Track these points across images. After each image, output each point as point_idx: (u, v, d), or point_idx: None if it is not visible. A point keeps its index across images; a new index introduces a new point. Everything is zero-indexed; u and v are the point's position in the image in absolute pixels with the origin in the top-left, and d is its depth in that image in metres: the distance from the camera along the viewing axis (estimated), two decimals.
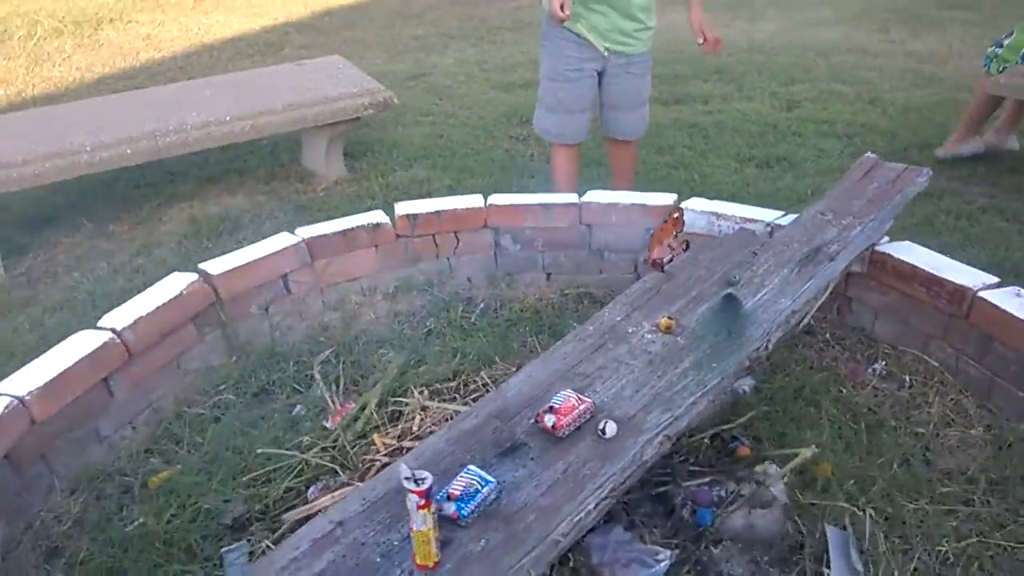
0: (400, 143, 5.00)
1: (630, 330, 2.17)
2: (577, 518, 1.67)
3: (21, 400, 2.22)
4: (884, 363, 2.54)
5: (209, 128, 3.96)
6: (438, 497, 1.66)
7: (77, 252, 4.05)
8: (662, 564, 1.69)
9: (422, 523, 1.50)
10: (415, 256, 3.05)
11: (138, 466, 2.45)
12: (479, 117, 5.40)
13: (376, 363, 2.77)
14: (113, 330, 2.47)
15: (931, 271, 2.39)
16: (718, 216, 2.80)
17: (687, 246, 2.49)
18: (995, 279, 2.36)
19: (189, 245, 3.96)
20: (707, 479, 1.96)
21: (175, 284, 2.66)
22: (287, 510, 2.09)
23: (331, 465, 2.18)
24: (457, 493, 1.64)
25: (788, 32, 7.24)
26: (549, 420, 1.82)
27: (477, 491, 1.65)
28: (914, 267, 2.43)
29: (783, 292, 2.25)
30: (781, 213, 2.78)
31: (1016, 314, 2.18)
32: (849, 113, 5.10)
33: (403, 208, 3.01)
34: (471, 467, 1.71)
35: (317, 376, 2.63)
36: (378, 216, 3.00)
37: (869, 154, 2.85)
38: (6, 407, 2.18)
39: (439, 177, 4.52)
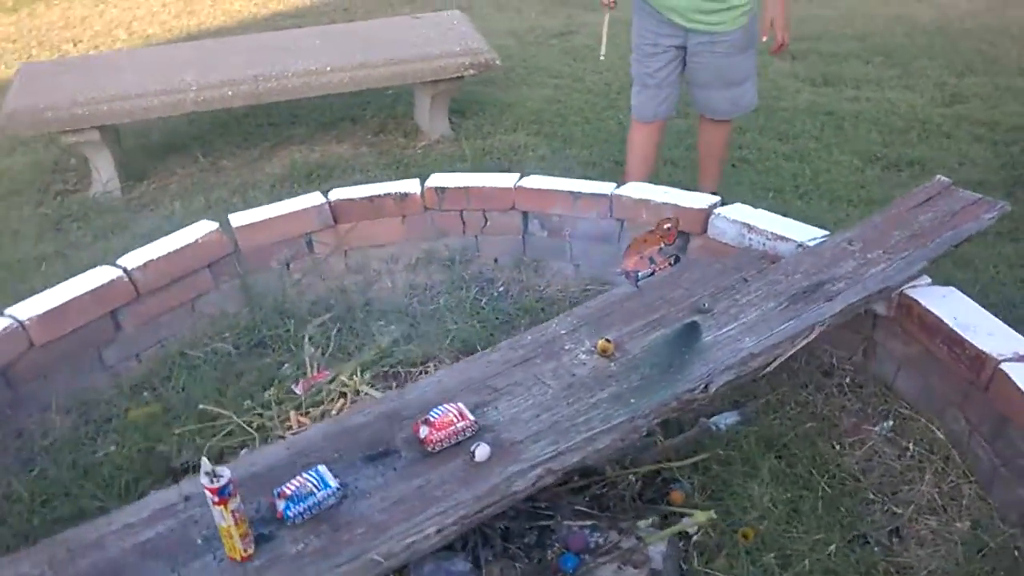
0: (514, 105, 4.92)
1: (567, 347, 2.02)
2: (409, 540, 1.60)
3: (21, 323, 2.41)
4: (893, 423, 2.21)
5: (308, 77, 4.07)
6: (275, 491, 1.64)
7: (187, 183, 4.34)
8: None
9: (220, 519, 1.49)
10: (441, 230, 3.00)
11: (129, 398, 2.60)
12: (605, 84, 5.19)
13: (374, 333, 2.76)
14: (124, 269, 2.62)
15: (955, 328, 2.03)
16: (750, 228, 2.53)
17: (676, 261, 2.27)
18: None
19: (280, 189, 4.12)
20: (589, 522, 1.80)
21: (194, 231, 2.77)
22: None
23: (255, 434, 2.21)
24: (288, 492, 1.61)
25: (988, 11, 6.34)
26: (423, 432, 1.74)
27: (311, 494, 1.61)
28: (939, 320, 2.07)
29: (752, 330, 2.00)
30: (824, 235, 2.46)
31: None
32: (1021, 117, 4.41)
33: (434, 180, 2.96)
34: (320, 468, 1.68)
35: (307, 339, 2.66)
36: (408, 185, 2.97)
37: (940, 177, 2.44)
38: (4, 328, 2.37)
39: (537, 144, 4.41)
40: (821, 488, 2.05)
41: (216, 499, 1.46)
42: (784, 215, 3.40)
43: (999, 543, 1.84)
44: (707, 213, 2.63)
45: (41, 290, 2.56)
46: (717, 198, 2.68)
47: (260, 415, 2.26)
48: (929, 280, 2.21)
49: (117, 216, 4.06)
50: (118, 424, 2.48)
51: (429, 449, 1.72)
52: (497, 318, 2.78)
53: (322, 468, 1.68)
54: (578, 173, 3.90)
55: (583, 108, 4.90)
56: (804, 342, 2.00)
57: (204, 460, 1.48)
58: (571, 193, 2.82)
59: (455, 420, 1.74)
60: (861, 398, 2.32)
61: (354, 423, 1.85)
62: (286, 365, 2.65)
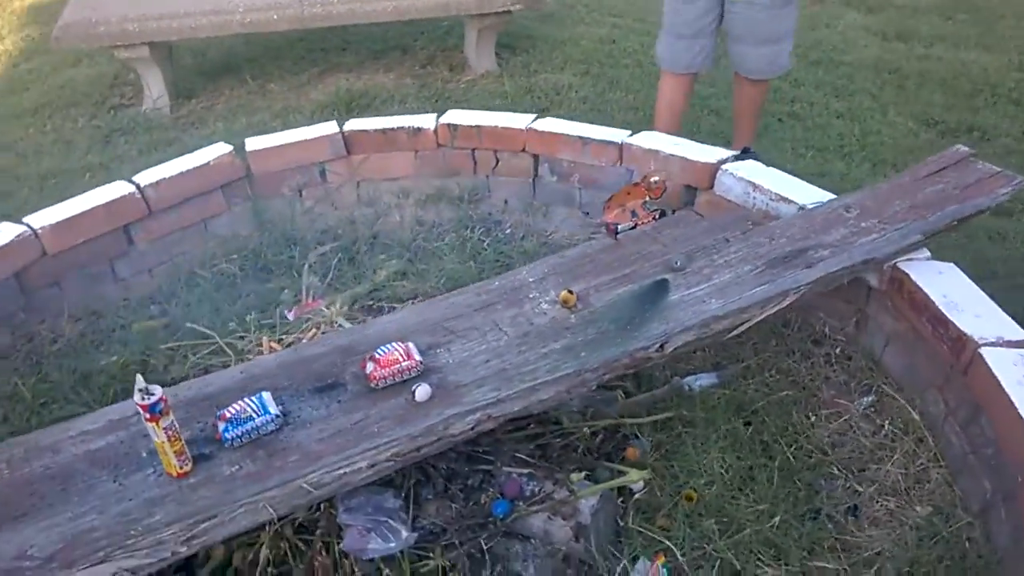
0: (566, 43, 4.82)
1: (532, 295, 2.01)
2: (339, 472, 1.64)
3: (34, 232, 2.53)
4: (874, 399, 2.14)
5: (353, 4, 4.07)
6: (218, 414, 1.70)
7: (233, 104, 4.42)
8: (396, 544, 1.62)
9: (154, 435, 1.55)
10: (453, 168, 2.99)
11: (136, 311, 2.71)
12: None
13: (375, 266, 2.80)
14: (137, 185, 2.70)
15: (942, 307, 1.94)
16: (755, 187, 2.45)
17: (660, 216, 2.22)
18: (1020, 334, 1.87)
19: (319, 116, 4.16)
20: (527, 471, 1.81)
21: (207, 153, 2.83)
22: None
23: (231, 356, 2.28)
24: (228, 416, 1.67)
25: None
26: (368, 368, 1.77)
27: (250, 418, 1.67)
28: (927, 297, 1.99)
29: (722, 292, 1.95)
30: (831, 197, 2.37)
31: (1005, 384, 1.73)
32: None
33: (448, 117, 2.94)
34: (264, 394, 1.73)
35: (307, 267, 2.71)
36: (422, 120, 2.96)
37: (960, 147, 2.30)
38: (17, 235, 2.50)
39: (582, 85, 4.33)
40: (783, 458, 2.00)
41: (147, 415, 1.53)
42: (820, 175, 3.30)
43: (954, 531, 1.78)
44: (715, 168, 2.55)
45: None
46: (726, 153, 2.59)
47: (242, 338, 2.32)
48: (928, 254, 2.11)
49: (163, 132, 4.17)
50: (121, 335, 2.58)
51: (372, 385, 1.75)
52: (497, 260, 2.78)
53: (266, 395, 1.73)
54: (616, 119, 3.84)
55: (636, 50, 4.76)
56: (775, 309, 1.95)
57: (139, 377, 1.54)
58: (580, 138, 2.77)
59: (400, 359, 1.76)
60: (847, 370, 2.25)
61: (310, 353, 1.90)
62: (286, 291, 2.71)
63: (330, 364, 1.85)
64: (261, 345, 2.21)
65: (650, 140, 2.71)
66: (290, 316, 2.51)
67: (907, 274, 2.04)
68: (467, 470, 1.84)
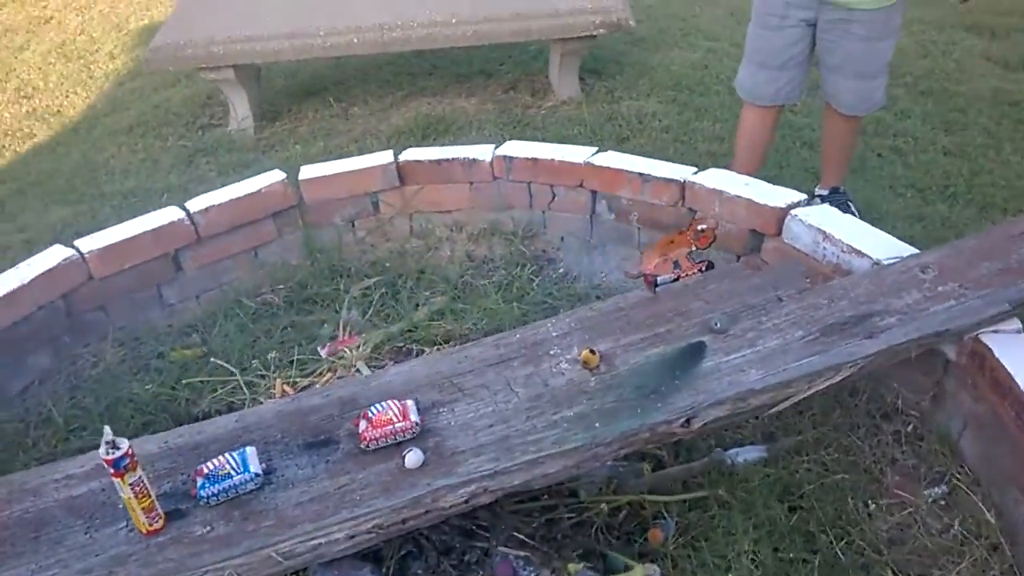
0: (656, 68, 4.62)
1: (552, 352, 1.84)
2: (316, 542, 1.52)
3: (82, 255, 2.54)
4: (946, 491, 1.86)
5: (432, 28, 4.00)
6: (197, 468, 1.61)
7: (315, 127, 4.43)
8: None
9: (120, 491, 1.47)
10: (508, 202, 2.85)
11: (177, 337, 2.68)
12: None
13: (418, 302, 2.69)
14: (187, 211, 2.69)
15: None
16: (825, 236, 2.20)
17: (708, 268, 2.00)
18: None
19: (395, 142, 4.11)
20: (524, 553, 1.64)
21: (259, 181, 2.79)
22: None
23: (250, 396, 2.20)
24: (205, 471, 1.57)
25: None
26: (361, 426, 1.64)
27: (229, 476, 1.57)
28: (1011, 378, 1.70)
29: (765, 362, 1.72)
30: (911, 252, 2.10)
31: None
32: None
33: (504, 148, 2.81)
34: (248, 449, 1.63)
35: (346, 302, 2.62)
36: (477, 151, 2.84)
37: None
38: (65, 259, 2.51)
39: (667, 113, 4.12)
40: (829, 553, 1.75)
41: (111, 471, 1.44)
42: (919, 219, 2.99)
43: None
44: (783, 213, 2.31)
45: None
46: (798, 196, 2.34)
47: (263, 377, 2.24)
48: (1019, 326, 1.82)
49: (243, 155, 4.21)
50: (158, 364, 2.55)
51: (363, 446, 1.62)
52: (544, 302, 2.61)
53: (250, 450, 1.62)
54: (699, 149, 3.61)
55: (729, 76, 4.47)
56: (825, 384, 1.70)
57: (106, 429, 1.46)
58: (640, 175, 2.58)
59: (395, 419, 1.63)
60: (918, 453, 1.97)
61: (308, 404, 1.78)
62: (326, 325, 2.62)
63: (327, 418, 1.73)
64: (275, 388, 2.11)
65: (716, 179, 2.49)
66: (323, 353, 2.42)
67: (990, 348, 1.76)
68: (463, 545, 1.67)
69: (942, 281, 1.86)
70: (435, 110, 4.41)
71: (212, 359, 2.37)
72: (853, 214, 2.95)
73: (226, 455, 1.60)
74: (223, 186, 2.86)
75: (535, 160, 2.74)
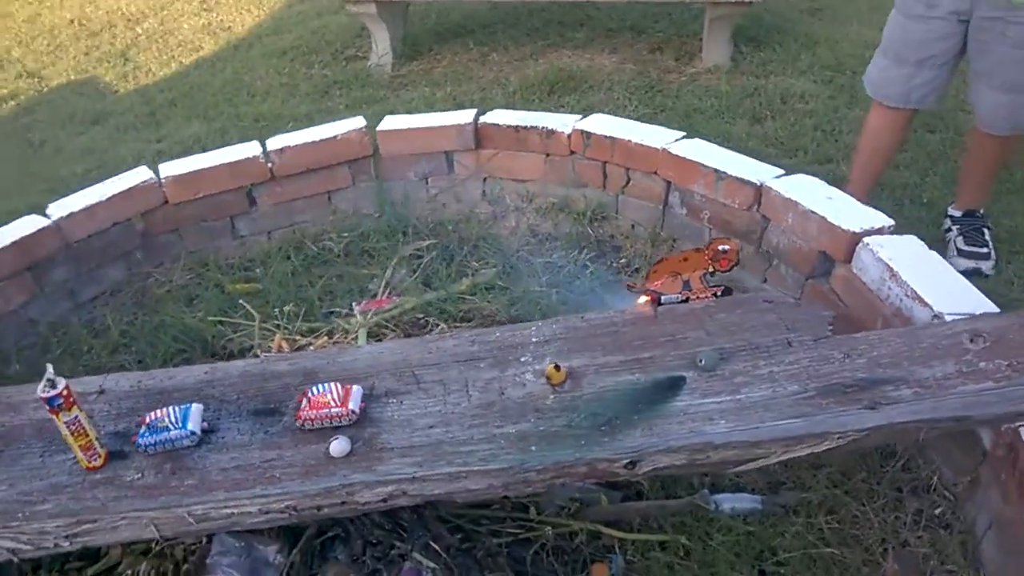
0: (823, 43, 4.22)
1: (523, 358, 1.73)
2: (227, 511, 1.53)
3: (159, 180, 2.67)
4: None
5: None
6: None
7: (450, 71, 4.41)
8: None
9: (59, 428, 1.54)
10: (582, 179, 2.71)
11: (241, 270, 2.79)
12: None
13: (467, 271, 2.64)
14: (264, 150, 2.75)
15: None
16: (892, 275, 1.93)
17: (724, 293, 1.80)
18: None
19: (519, 95, 4.02)
20: (431, 564, 1.57)
21: (336, 128, 2.81)
22: None
23: (261, 342, 2.23)
24: (147, 420, 1.62)
25: None
26: (302, 404, 1.63)
27: (167, 429, 1.60)
28: None
29: (740, 414, 1.53)
30: (986, 311, 1.80)
31: None
32: None
33: (585, 123, 2.66)
34: (193, 406, 1.65)
35: (393, 262, 2.61)
36: (555, 121, 2.70)
37: None
38: (143, 181, 2.66)
39: (817, 94, 3.77)
40: None
41: (47, 408, 1.50)
42: None
43: None
44: (856, 238, 2.04)
45: None
46: (880, 221, 2.05)
47: (278, 326, 2.27)
48: None
49: (375, 91, 4.26)
50: (214, 293, 2.65)
51: (299, 424, 1.60)
52: (592, 291, 2.47)
53: (195, 407, 1.64)
54: (840, 142, 3.27)
55: None
56: (805, 451, 1.49)
57: (48, 367, 1.52)
58: (716, 171, 2.35)
59: (332, 403, 1.59)
60: (936, 543, 1.71)
61: (273, 370, 1.78)
62: (375, 279, 2.62)
63: (284, 387, 1.72)
64: (273, 343, 2.12)
65: (797, 186, 2.24)
66: (356, 309, 2.41)
67: None
68: (389, 541, 1.62)
69: (990, 356, 1.56)
70: (571, 64, 4.25)
71: (240, 300, 2.41)
72: (984, 244, 2.57)
73: (170, 408, 1.63)
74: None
75: (613, 139, 2.56)
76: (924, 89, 2.50)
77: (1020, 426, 1.50)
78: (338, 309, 2.47)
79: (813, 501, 1.80)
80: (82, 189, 2.65)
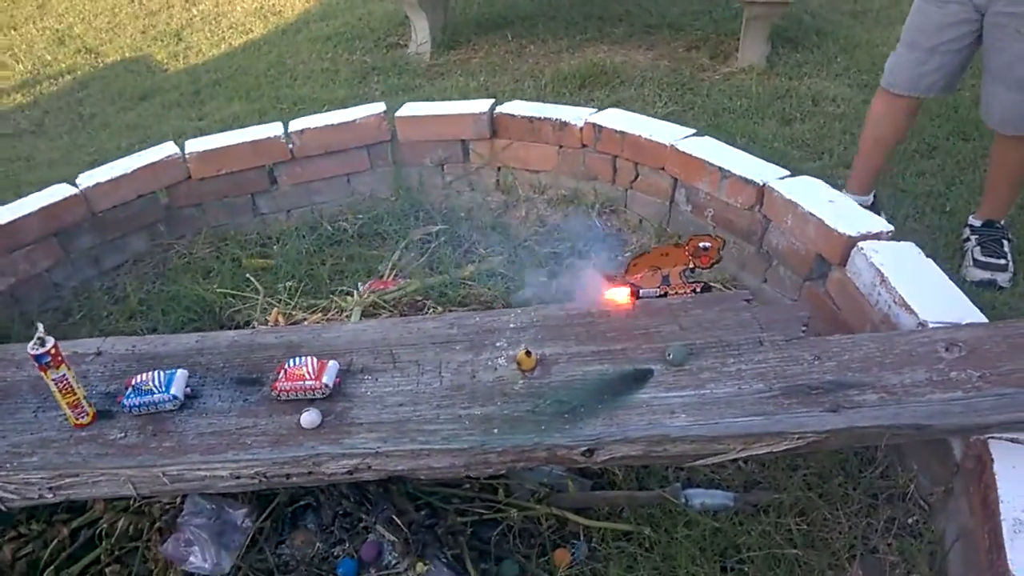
0: (859, 47, 4.16)
1: (499, 343, 1.76)
2: (200, 473, 1.60)
3: (184, 156, 2.77)
4: None
5: None
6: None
7: (486, 62, 4.45)
8: (209, 568, 1.54)
9: (49, 383, 1.62)
10: (592, 172, 2.73)
11: (259, 247, 2.87)
12: None
13: (472, 259, 2.68)
14: (286, 130, 2.83)
15: (1006, 519, 1.38)
16: (882, 280, 1.91)
17: (702, 291, 1.81)
18: None
19: (551, 87, 4.04)
20: (392, 538, 1.61)
21: (356, 112, 2.87)
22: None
23: (261, 315, 2.30)
24: (133, 383, 1.69)
25: None
26: (280, 376, 1.69)
27: (151, 392, 1.68)
28: (997, 501, 1.42)
29: (700, 410, 1.55)
30: (973, 321, 1.78)
31: None
32: None
33: (597, 117, 2.68)
34: (179, 371, 1.72)
35: (403, 244, 2.66)
36: (569, 113, 2.72)
37: None
38: (168, 156, 2.75)
39: (850, 99, 3.72)
40: None
41: (36, 365, 1.58)
42: None
43: None
44: (852, 242, 2.02)
45: None
46: (881, 226, 2.03)
47: (280, 300, 2.34)
48: None
49: (411, 79, 4.32)
50: (231, 267, 2.73)
51: (274, 395, 1.66)
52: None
53: (180, 373, 1.71)
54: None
55: None
56: (765, 451, 1.50)
57: (39, 326, 1.60)
58: (720, 169, 2.35)
59: (306, 376, 1.64)
60: (905, 552, 1.69)
61: (260, 341, 1.85)
62: (384, 262, 2.68)
63: (268, 359, 1.78)
64: (271, 316, 2.19)
65: (798, 188, 2.22)
66: (362, 289, 2.47)
67: (992, 459, 1.45)
68: (358, 513, 1.67)
69: (963, 366, 1.55)
70: (606, 59, 4.25)
71: (247, 274, 2.49)
72: (1003, 255, 2.52)
73: (156, 372, 1.70)
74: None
75: (623, 134, 2.57)
76: (934, 76, 2.46)
77: (990, 438, 1.47)
78: (345, 288, 2.52)
79: (785, 502, 1.79)
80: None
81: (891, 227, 2.07)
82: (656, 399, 1.56)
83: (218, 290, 2.46)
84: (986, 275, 2.48)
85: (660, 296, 1.77)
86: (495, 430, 1.54)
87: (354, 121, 2.79)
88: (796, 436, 1.48)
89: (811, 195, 2.19)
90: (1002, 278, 2.49)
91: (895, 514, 1.75)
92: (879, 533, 1.72)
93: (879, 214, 2.29)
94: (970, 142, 3.30)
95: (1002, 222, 2.63)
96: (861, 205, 2.20)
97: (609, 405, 1.56)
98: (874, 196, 2.74)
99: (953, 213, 2.84)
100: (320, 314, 2.20)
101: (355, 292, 2.38)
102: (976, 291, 2.43)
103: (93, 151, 3.92)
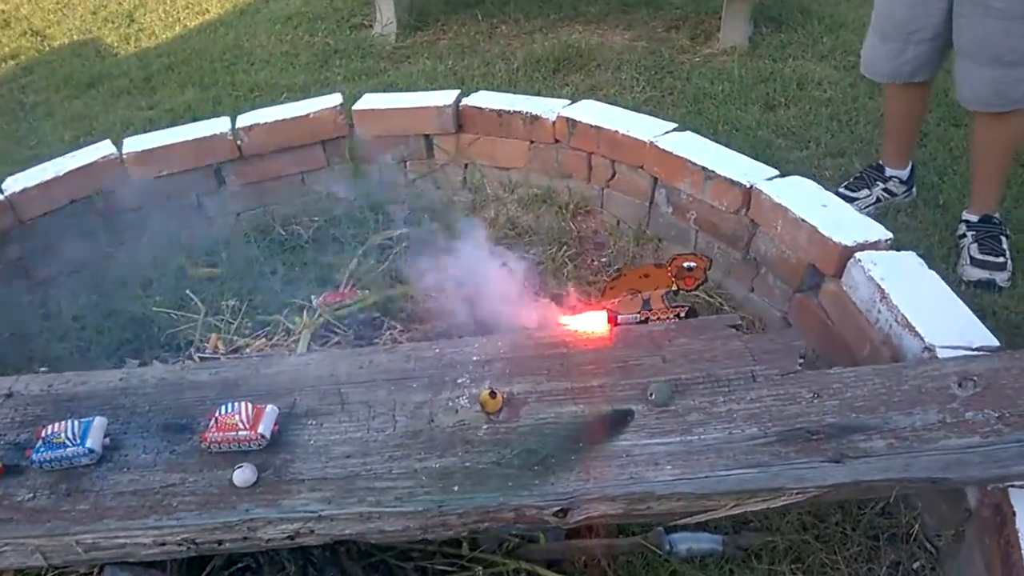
0: (847, 26, 3.98)
1: (460, 380, 1.57)
2: (119, 541, 1.40)
3: (121, 156, 2.53)
4: None
5: None
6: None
7: (455, 43, 4.22)
8: None
9: None
10: (566, 170, 2.52)
11: (206, 252, 2.64)
12: None
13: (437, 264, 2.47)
14: (233, 126, 2.60)
15: None
16: (883, 297, 1.73)
17: (687, 315, 1.62)
18: None
19: (522, 71, 3.83)
20: None
21: (310, 105, 2.65)
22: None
23: (196, 339, 2.10)
24: (43, 434, 1.48)
25: None
26: (210, 424, 1.49)
27: (63, 445, 1.47)
28: (1022, 559, 1.24)
29: (688, 461, 1.36)
30: (987, 346, 1.60)
31: None
32: None
33: (570, 110, 2.46)
34: (96, 419, 1.52)
35: (359, 252, 2.45)
36: (541, 106, 2.51)
37: None
38: (103, 156, 2.52)
39: (837, 82, 3.53)
40: None
41: None
42: None
43: None
44: (848, 253, 1.84)
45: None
46: (880, 234, 1.85)
47: (223, 320, 2.13)
48: None
49: (375, 62, 4.09)
50: (172, 278, 2.51)
51: (203, 447, 1.45)
52: (566, 291, 2.29)
53: (97, 422, 1.51)
54: (854, 134, 3.04)
55: None
56: (760, 507, 1.32)
57: None
58: (703, 169, 2.15)
59: (240, 426, 1.44)
60: None
61: (192, 379, 1.64)
62: (341, 270, 2.47)
63: (200, 400, 1.58)
64: (209, 341, 1.98)
65: (790, 190, 2.03)
66: (316, 302, 2.27)
67: (1013, 512, 1.28)
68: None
69: (979, 404, 1.37)
70: (581, 40, 4.04)
71: (187, 291, 2.27)
72: (1001, 253, 2.35)
73: (69, 422, 1.50)
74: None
75: (599, 128, 2.37)
76: (914, 64, 2.39)
77: (1010, 486, 1.30)
78: (297, 301, 2.31)
79: (779, 546, 1.62)
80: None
81: (890, 235, 1.88)
82: (637, 447, 1.37)
83: (154, 309, 2.23)
84: (984, 274, 2.33)
85: (640, 322, 1.58)
86: (455, 487, 1.35)
87: (308, 115, 2.57)
88: (796, 491, 1.30)
89: (802, 198, 2.01)
90: (1000, 277, 2.33)
91: (899, 558, 1.59)
92: None
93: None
94: (962, 128, 3.13)
95: (998, 216, 2.47)
96: (899, 180, 2.49)
97: (585, 455, 1.37)
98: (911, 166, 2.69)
99: (948, 207, 2.67)
100: (264, 340, 1.99)
101: (307, 307, 2.16)
102: (975, 295, 2.27)
103: (35, 144, 3.67)
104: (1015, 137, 2.33)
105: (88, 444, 1.46)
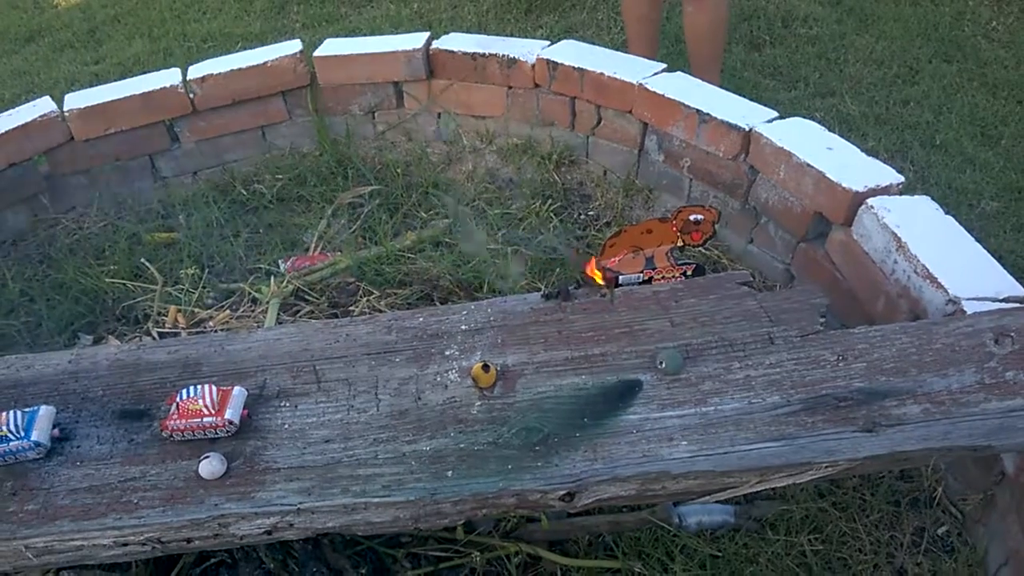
0: None
1: (448, 352, 1.42)
2: (75, 543, 1.24)
3: (61, 113, 2.31)
4: None
5: None
6: None
7: None
8: None
9: None
10: (548, 117, 2.35)
11: (162, 217, 2.45)
12: None
13: (416, 223, 2.30)
14: (184, 77, 2.39)
15: None
16: (900, 246, 1.60)
17: (694, 273, 1.48)
18: None
19: (493, 11, 3.61)
20: None
21: (266, 53, 2.44)
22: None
23: (161, 310, 1.92)
24: None
25: None
26: (171, 411, 1.32)
27: (6, 439, 1.31)
28: None
29: (705, 435, 1.23)
30: (1013, 297, 1.47)
31: None
32: None
33: (550, 51, 2.28)
34: (43, 408, 1.35)
35: (328, 212, 2.27)
36: (518, 48, 2.32)
37: None
38: (42, 115, 2.29)
39: (824, 19, 3.42)
40: None
41: None
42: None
43: None
44: (859, 199, 1.70)
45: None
46: (892, 178, 1.71)
47: (182, 290, 1.95)
48: None
49: (336, 7, 3.87)
50: (129, 244, 2.32)
51: (164, 435, 1.29)
52: (554, 250, 2.14)
53: (43, 411, 1.34)
54: (843, 73, 2.90)
55: None
56: (784, 482, 1.19)
57: None
58: (698, 112, 1.99)
59: (204, 411, 1.28)
60: (938, 574, 1.42)
61: (149, 359, 1.47)
62: (310, 232, 2.29)
63: (159, 382, 1.42)
64: (169, 315, 1.80)
65: (793, 134, 1.88)
66: (283, 267, 2.10)
67: None
68: (282, 574, 1.34)
69: (1018, 362, 1.25)
70: None
71: (142, 259, 2.09)
72: None
73: (12, 413, 1.33)
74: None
75: (582, 71, 2.20)
76: None
77: None
78: (263, 266, 2.14)
79: (795, 515, 1.51)
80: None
81: (902, 178, 1.75)
82: (648, 421, 1.24)
83: (108, 280, 2.04)
84: None
85: (644, 282, 1.44)
86: (449, 472, 1.21)
87: (265, 63, 2.36)
88: (825, 465, 1.17)
89: (806, 141, 1.86)
90: None
91: (922, 523, 1.49)
92: (906, 549, 1.46)
93: None
94: (953, 64, 3.00)
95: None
96: None
97: (590, 432, 1.23)
98: None
99: (945, 147, 2.56)
100: (228, 312, 1.82)
101: (274, 273, 1.99)
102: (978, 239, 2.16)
103: None
104: (717, 13, 2.45)
105: (34, 437, 1.30)
